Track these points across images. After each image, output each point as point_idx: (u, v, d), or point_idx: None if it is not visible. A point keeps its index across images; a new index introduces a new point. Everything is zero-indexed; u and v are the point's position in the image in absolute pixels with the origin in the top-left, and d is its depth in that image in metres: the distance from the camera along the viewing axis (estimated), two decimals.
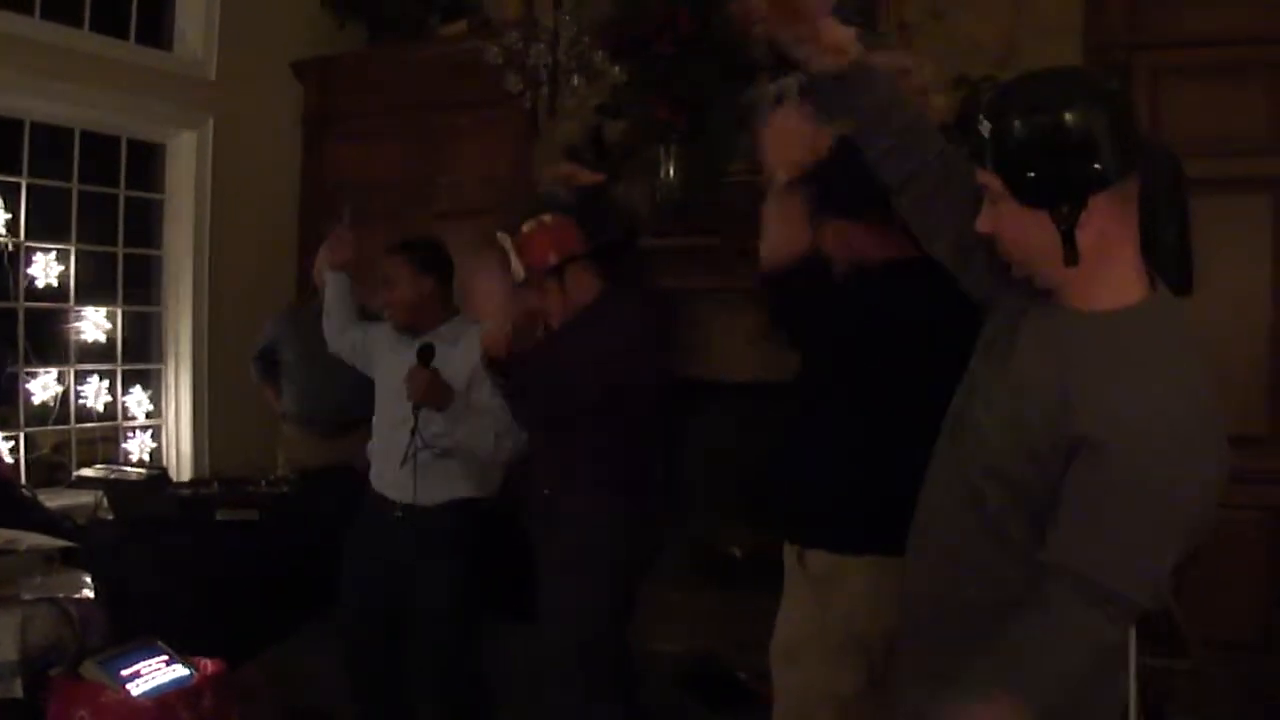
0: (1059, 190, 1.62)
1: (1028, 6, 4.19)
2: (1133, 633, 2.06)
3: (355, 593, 3.77)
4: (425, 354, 3.46)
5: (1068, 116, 1.60)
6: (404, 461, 3.52)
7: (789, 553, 2.81)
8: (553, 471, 3.50)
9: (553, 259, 3.44)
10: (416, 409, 3.44)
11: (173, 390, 5.89)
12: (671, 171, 4.64)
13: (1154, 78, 4.13)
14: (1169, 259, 2.80)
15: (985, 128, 1.69)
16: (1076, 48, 4.10)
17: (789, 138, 2.59)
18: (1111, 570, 1.57)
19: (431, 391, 3.43)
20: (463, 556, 3.68)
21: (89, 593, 4.07)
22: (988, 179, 1.70)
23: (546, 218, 3.55)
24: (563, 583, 3.42)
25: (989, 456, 1.77)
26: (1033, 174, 1.63)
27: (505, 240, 3.54)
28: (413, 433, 3.47)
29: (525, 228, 3.56)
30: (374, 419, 3.80)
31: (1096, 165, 1.59)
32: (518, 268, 3.46)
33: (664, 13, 4.39)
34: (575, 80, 4.08)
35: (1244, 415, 3.98)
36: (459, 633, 3.70)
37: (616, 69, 4.18)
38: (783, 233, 2.56)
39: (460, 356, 3.56)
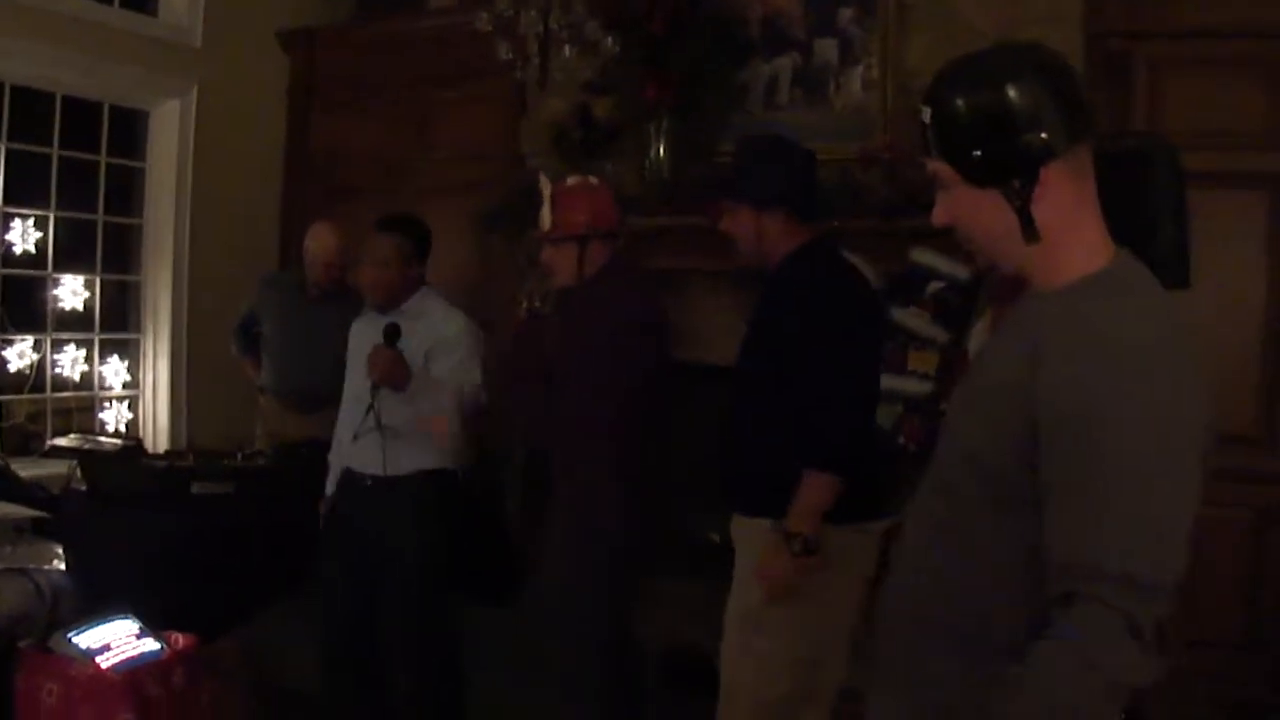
0: (1008, 166, 1.56)
1: None
2: None
3: (331, 566, 3.77)
4: (391, 334, 3.48)
5: (1007, 90, 1.55)
6: (355, 437, 3.57)
7: (741, 523, 2.93)
8: (558, 456, 3.51)
9: (582, 225, 3.41)
10: (375, 388, 3.48)
11: (150, 361, 5.83)
12: (661, 151, 4.58)
13: (1152, 69, 4.10)
14: (1167, 252, 2.78)
15: (926, 114, 1.64)
16: (1075, 36, 4.06)
17: None
18: (1137, 554, 1.44)
19: (392, 372, 3.46)
20: (432, 526, 3.70)
21: (60, 564, 4.04)
22: (935, 166, 1.64)
23: (594, 179, 3.55)
24: (565, 567, 3.41)
25: (965, 445, 1.72)
26: (978, 152, 1.58)
27: (545, 185, 3.51)
28: (368, 409, 3.51)
29: (571, 181, 3.55)
30: (344, 391, 3.80)
31: (1043, 135, 1.54)
32: (546, 217, 3.44)
33: None
34: (566, 51, 4.03)
35: (1235, 414, 3.96)
36: (432, 601, 3.72)
37: (610, 40, 4.12)
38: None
39: (422, 330, 3.60)
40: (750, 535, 2.90)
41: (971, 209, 1.64)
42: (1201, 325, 3.90)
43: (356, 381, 3.65)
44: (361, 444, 3.60)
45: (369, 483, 3.66)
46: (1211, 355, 3.97)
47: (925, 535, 1.78)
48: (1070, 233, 1.61)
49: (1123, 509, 1.45)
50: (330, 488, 3.84)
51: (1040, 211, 1.58)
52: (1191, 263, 2.87)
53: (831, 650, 2.82)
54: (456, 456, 3.74)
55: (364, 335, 3.68)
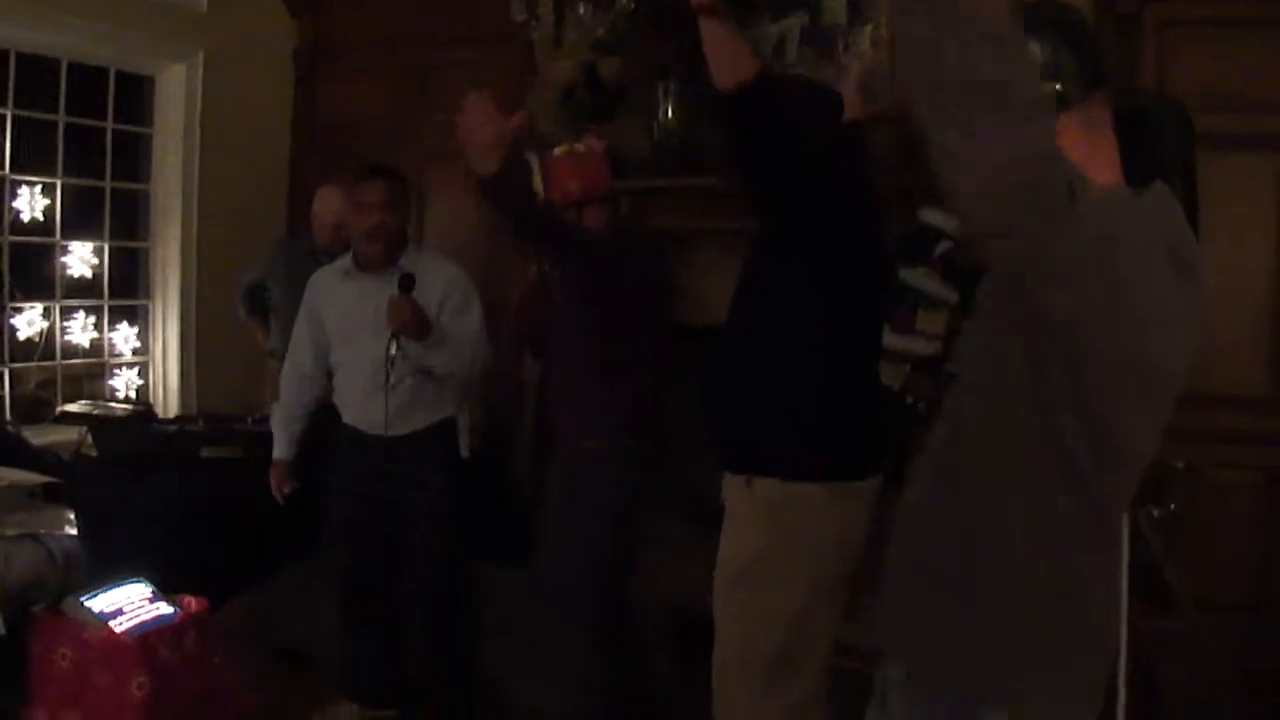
0: None
1: None
2: (1124, 589, 2.04)
3: (343, 527, 3.79)
4: (407, 283, 3.47)
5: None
6: (391, 387, 3.54)
7: (734, 481, 2.83)
8: (562, 415, 3.52)
9: (575, 193, 3.39)
10: (395, 336, 3.45)
11: (160, 326, 5.84)
12: (669, 112, 4.55)
13: (1163, 30, 4.06)
14: None
15: None
16: None
17: None
18: None
19: (415, 320, 3.45)
20: (446, 477, 3.74)
21: (72, 529, 4.06)
22: None
23: (580, 146, 3.52)
24: (569, 526, 3.42)
25: (964, 373, 1.73)
26: None
27: (533, 160, 3.50)
28: (390, 361, 3.47)
29: (557, 151, 3.52)
30: (338, 358, 3.78)
31: (1056, 87, 1.57)
32: (539, 188, 3.43)
33: None
34: (581, 9, 3.99)
35: (1244, 376, 3.95)
36: (448, 553, 3.75)
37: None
38: (726, 54, 2.41)
39: (428, 285, 3.59)
40: (733, 493, 2.88)
41: None
42: (1209, 286, 3.92)
43: (362, 343, 3.62)
44: (371, 402, 3.61)
45: (379, 444, 3.67)
46: (1220, 317, 3.99)
47: (944, 446, 1.79)
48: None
49: None
50: (284, 452, 3.85)
51: None
52: (1200, 223, 2.86)
53: (820, 607, 2.76)
54: (461, 404, 3.81)
55: (357, 298, 3.66)
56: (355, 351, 3.69)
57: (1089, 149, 1.60)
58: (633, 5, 4.20)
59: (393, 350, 3.45)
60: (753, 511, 2.79)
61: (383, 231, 3.62)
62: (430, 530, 3.71)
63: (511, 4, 4.03)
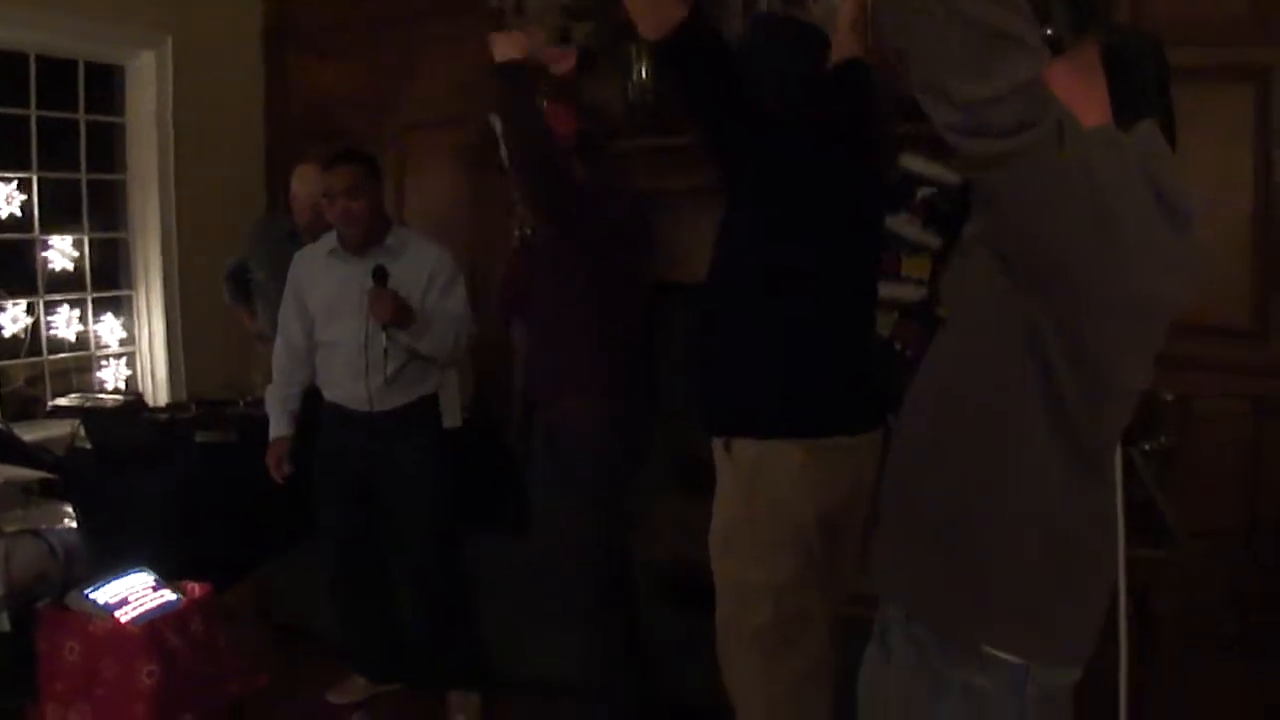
0: None
1: None
2: (1121, 523, 2.05)
3: (331, 506, 3.83)
4: (380, 275, 3.52)
5: None
6: (389, 380, 3.62)
7: (716, 445, 2.79)
8: (545, 378, 3.51)
9: (570, 137, 3.39)
10: (384, 328, 3.51)
11: (145, 316, 5.82)
12: (644, 71, 4.54)
13: None
14: None
15: None
16: None
17: None
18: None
19: (397, 310, 3.50)
20: (430, 453, 3.79)
21: (71, 523, 4.06)
22: None
23: (544, 103, 3.51)
24: (556, 491, 3.43)
25: (951, 315, 1.75)
26: None
27: (496, 123, 3.49)
28: (385, 352, 3.56)
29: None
30: (321, 337, 3.80)
31: (1047, 31, 1.55)
32: (505, 153, 3.42)
33: None
34: None
35: (1227, 308, 3.97)
36: (439, 527, 3.80)
37: None
38: (641, 3, 2.33)
39: (412, 267, 3.66)
40: (717, 456, 2.83)
41: None
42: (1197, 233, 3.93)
43: (346, 325, 3.67)
44: (355, 380, 3.65)
45: (365, 421, 3.70)
46: (1203, 251, 4.00)
47: (937, 381, 1.80)
48: None
49: None
50: (283, 429, 3.87)
51: None
52: (1177, 159, 2.87)
53: (812, 576, 2.68)
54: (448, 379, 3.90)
55: (339, 280, 3.70)
56: (338, 330, 3.72)
57: (1082, 92, 1.60)
58: None
59: (384, 342, 3.53)
60: (733, 476, 2.74)
61: (353, 216, 3.64)
62: (416, 505, 3.75)
63: None
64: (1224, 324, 3.94)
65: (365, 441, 3.72)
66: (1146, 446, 3.43)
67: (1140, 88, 2.78)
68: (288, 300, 3.88)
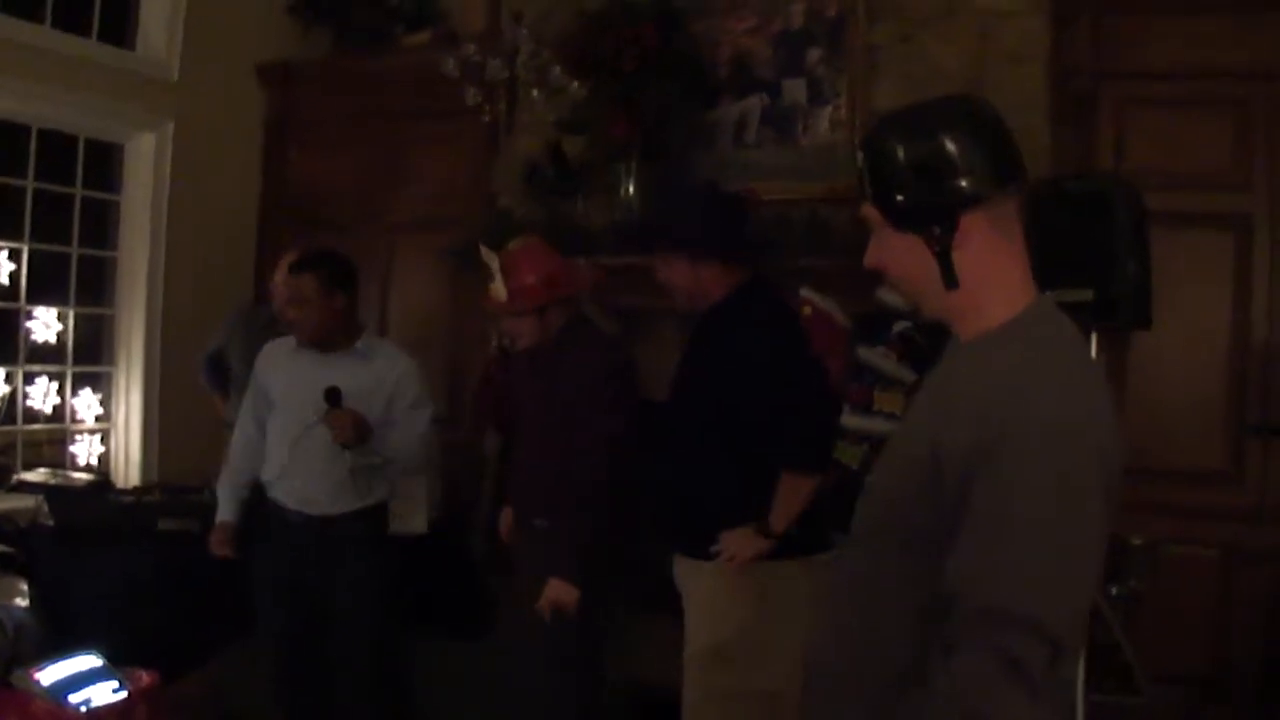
0: (928, 212, 1.60)
1: (994, 33, 4.18)
2: (1081, 668, 2.03)
3: (275, 609, 3.74)
4: (333, 397, 3.46)
5: (933, 137, 1.59)
6: (359, 489, 3.60)
7: (696, 566, 2.97)
8: (538, 487, 3.51)
9: (541, 298, 3.41)
10: (345, 448, 3.47)
11: (123, 393, 5.80)
12: (631, 189, 4.60)
13: (1119, 108, 4.14)
14: (1129, 291, 2.82)
15: (860, 159, 1.69)
16: (1042, 76, 4.10)
17: None
18: (1022, 594, 1.43)
19: (356, 431, 3.46)
20: (379, 559, 3.72)
21: (24, 600, 4.00)
22: (866, 209, 1.68)
23: (535, 238, 3.59)
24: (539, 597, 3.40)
25: (881, 491, 1.72)
26: (901, 197, 1.61)
27: (489, 257, 3.50)
28: (350, 472, 3.54)
29: (513, 246, 3.54)
30: (271, 431, 3.74)
31: (963, 183, 1.57)
32: (499, 290, 3.43)
33: (629, 29, 4.34)
34: (535, 94, 4.05)
35: (1202, 451, 3.98)
36: (381, 635, 3.72)
37: (575, 84, 4.14)
38: None
39: (377, 375, 3.64)
40: (697, 576, 2.89)
41: (896, 253, 1.67)
42: (1167, 359, 3.96)
43: (299, 422, 3.60)
44: (296, 481, 3.62)
45: (310, 524, 3.63)
46: (1178, 393, 4.02)
47: (843, 589, 1.78)
48: (990, 281, 1.63)
49: (1015, 555, 1.44)
50: (228, 515, 3.79)
51: (960, 259, 1.61)
52: (1155, 301, 2.91)
53: (792, 681, 2.77)
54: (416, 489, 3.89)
55: (300, 377, 3.64)
56: (286, 426, 3.67)
57: (996, 247, 1.61)
58: (585, 93, 4.26)
59: (349, 462, 3.51)
60: (730, 590, 2.84)
61: (298, 325, 3.65)
62: (356, 613, 3.66)
63: (466, 90, 4.08)
64: (1196, 468, 3.95)
65: (303, 545, 3.64)
66: (1114, 591, 3.42)
67: (1114, 231, 2.84)
68: (249, 391, 3.85)
